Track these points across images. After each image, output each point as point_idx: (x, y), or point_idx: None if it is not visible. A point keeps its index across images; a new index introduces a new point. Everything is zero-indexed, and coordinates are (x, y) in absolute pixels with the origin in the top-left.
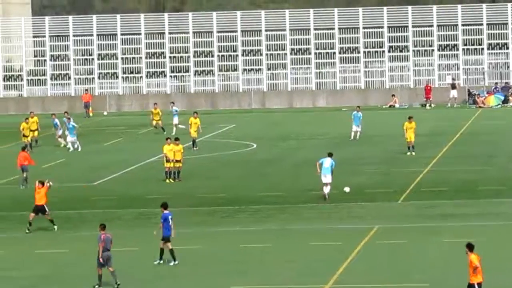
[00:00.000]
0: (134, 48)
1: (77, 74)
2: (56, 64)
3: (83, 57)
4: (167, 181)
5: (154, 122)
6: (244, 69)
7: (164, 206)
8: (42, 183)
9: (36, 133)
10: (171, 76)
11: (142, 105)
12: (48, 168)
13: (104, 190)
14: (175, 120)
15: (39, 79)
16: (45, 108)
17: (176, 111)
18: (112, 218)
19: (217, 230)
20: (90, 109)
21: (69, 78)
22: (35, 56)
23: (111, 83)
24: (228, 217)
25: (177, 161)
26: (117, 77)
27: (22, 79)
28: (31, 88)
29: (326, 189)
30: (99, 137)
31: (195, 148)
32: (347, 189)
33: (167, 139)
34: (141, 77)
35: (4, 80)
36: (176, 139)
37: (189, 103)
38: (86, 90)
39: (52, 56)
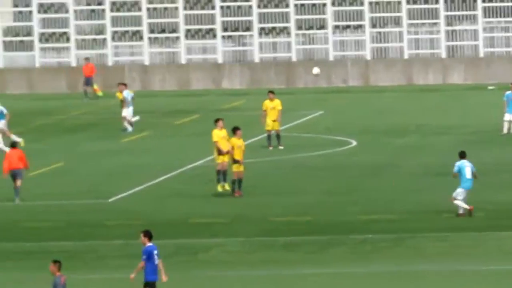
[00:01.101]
0: None
1: (80, 33)
2: (46, 19)
3: (89, 7)
4: (219, 187)
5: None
6: (336, 27)
7: (148, 235)
8: None
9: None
10: (223, 37)
11: (181, 81)
12: (41, 176)
13: (124, 211)
14: (126, 110)
15: (22, 42)
16: (32, 85)
17: (132, 97)
18: (137, 253)
19: (301, 273)
20: (95, 86)
21: (68, 39)
22: (14, 5)
23: (133, 48)
24: (317, 252)
25: (235, 161)
26: (141, 37)
27: None
28: (9, 55)
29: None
30: (114, 130)
31: (280, 146)
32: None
33: (217, 121)
34: (177, 38)
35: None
36: (236, 128)
37: (250, 77)
38: (87, 58)
39: (40, 5)
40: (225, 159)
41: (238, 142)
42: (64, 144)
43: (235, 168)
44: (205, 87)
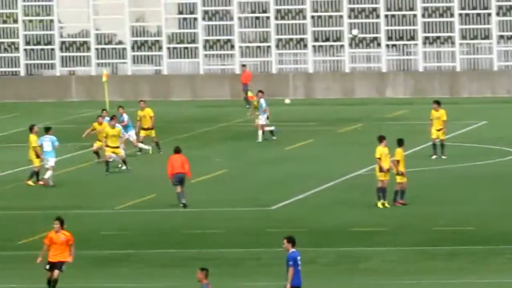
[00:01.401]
0: None
1: (244, 41)
2: (211, 26)
3: (253, 15)
4: (379, 204)
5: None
6: (501, 37)
7: (292, 241)
8: (62, 222)
9: (152, 132)
10: (388, 46)
11: (345, 89)
12: (204, 183)
13: (286, 219)
14: (262, 119)
15: (186, 48)
16: (195, 92)
17: (264, 104)
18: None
19: (462, 282)
20: (249, 94)
21: (232, 47)
22: (180, 12)
23: (297, 56)
24: (479, 262)
25: (399, 173)
26: (305, 45)
27: (160, 48)
28: (174, 61)
29: None
30: (277, 137)
31: (443, 156)
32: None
33: (382, 138)
34: (341, 46)
35: (133, 49)
36: (402, 140)
37: (414, 86)
38: (244, 65)
39: (205, 12)
40: (386, 177)
41: (403, 154)
42: (228, 151)
43: (399, 179)
44: (368, 95)
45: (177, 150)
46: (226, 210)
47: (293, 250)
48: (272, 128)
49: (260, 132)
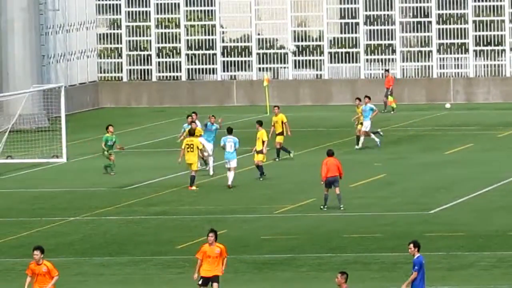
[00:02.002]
0: None
1: (406, 45)
2: (372, 30)
3: (415, 19)
4: None
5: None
6: None
7: (417, 245)
8: (216, 234)
9: (281, 138)
10: None
11: (505, 94)
12: (363, 187)
13: (445, 223)
14: (366, 124)
15: (347, 53)
16: (356, 96)
17: (372, 109)
18: (458, 264)
19: None
20: (390, 98)
21: (394, 51)
22: (341, 17)
23: (458, 60)
24: None
25: None
26: (466, 50)
27: (321, 53)
28: (335, 66)
29: None
30: (437, 142)
31: None
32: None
33: None
34: (503, 51)
35: (295, 53)
36: None
37: None
38: (387, 70)
39: (367, 17)
40: None
41: None
42: (387, 155)
43: None
44: None
45: (331, 153)
46: (385, 214)
47: (419, 254)
48: (378, 131)
49: (362, 138)
